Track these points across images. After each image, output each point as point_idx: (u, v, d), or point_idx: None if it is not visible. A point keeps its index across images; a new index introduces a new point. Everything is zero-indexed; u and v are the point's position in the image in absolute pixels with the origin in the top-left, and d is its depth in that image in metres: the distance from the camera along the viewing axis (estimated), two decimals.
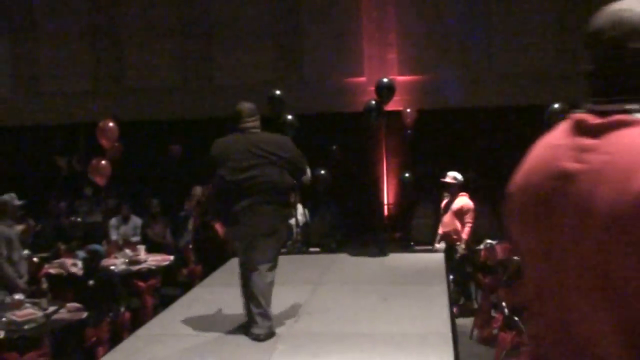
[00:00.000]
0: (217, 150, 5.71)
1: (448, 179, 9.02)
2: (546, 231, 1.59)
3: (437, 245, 8.98)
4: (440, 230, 9.07)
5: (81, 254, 7.75)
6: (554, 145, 1.69)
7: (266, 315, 5.18)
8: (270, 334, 5.11)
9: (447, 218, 8.91)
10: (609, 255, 1.43)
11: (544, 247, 1.59)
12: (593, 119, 1.61)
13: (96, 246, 8.06)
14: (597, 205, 1.47)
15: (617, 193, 1.44)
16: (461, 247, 8.55)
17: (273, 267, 5.45)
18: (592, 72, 1.71)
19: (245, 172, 5.41)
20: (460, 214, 8.80)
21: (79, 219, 12.33)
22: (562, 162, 1.61)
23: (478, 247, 10.51)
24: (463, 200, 8.93)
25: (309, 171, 6.01)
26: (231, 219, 5.40)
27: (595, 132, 1.58)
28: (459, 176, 9.03)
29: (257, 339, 5.06)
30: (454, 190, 9.00)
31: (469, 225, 8.74)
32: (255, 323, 5.15)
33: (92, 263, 7.58)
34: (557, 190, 1.58)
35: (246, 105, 5.87)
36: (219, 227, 8.63)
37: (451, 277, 8.00)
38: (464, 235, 8.64)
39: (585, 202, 1.49)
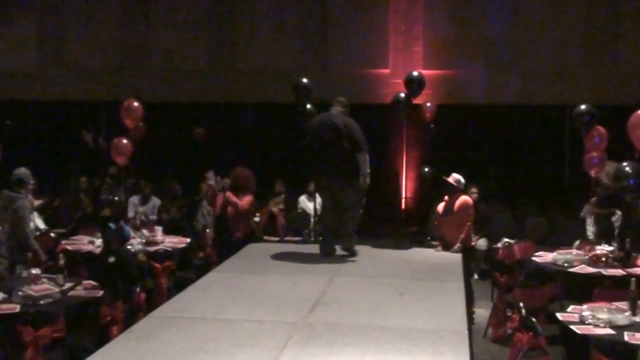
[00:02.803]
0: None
1: (451, 180, 8.85)
2: None
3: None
4: (442, 233, 8.81)
5: (111, 225, 7.74)
6: None
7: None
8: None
9: (450, 219, 8.69)
10: None
11: None
12: None
13: (126, 226, 8.08)
14: None
15: None
16: (457, 245, 8.40)
17: None
18: None
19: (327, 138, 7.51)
20: (460, 213, 8.62)
21: (103, 197, 12.34)
22: None
23: (496, 246, 10.45)
24: (462, 199, 8.76)
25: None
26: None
27: None
28: (462, 179, 8.87)
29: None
30: (454, 192, 8.81)
31: (468, 223, 8.60)
32: None
33: (118, 239, 7.57)
34: None
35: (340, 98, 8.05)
36: (237, 200, 8.65)
37: None
38: (462, 234, 8.50)
39: None
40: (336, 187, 7.63)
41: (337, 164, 7.45)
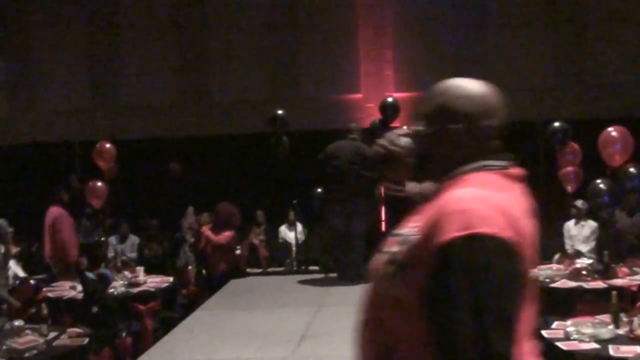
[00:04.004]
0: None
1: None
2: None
3: None
4: None
5: (90, 275, 7.70)
6: (513, 193, 1.96)
7: None
8: None
9: None
10: None
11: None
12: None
13: (106, 271, 8.02)
14: None
15: None
16: None
17: None
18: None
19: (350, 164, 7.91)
20: None
21: (80, 241, 12.26)
22: (527, 204, 1.98)
23: None
24: None
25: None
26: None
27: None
28: None
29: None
30: None
31: None
32: None
33: (100, 287, 7.54)
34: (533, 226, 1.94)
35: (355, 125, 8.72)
36: (217, 237, 8.67)
37: None
38: None
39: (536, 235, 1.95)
40: (352, 213, 7.94)
41: (357, 190, 7.80)
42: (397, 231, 1.97)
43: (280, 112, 10.47)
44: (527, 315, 1.82)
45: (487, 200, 1.80)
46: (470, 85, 2.08)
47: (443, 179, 1.96)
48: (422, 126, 2.05)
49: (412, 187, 2.24)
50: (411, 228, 1.90)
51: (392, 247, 1.94)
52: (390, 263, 1.89)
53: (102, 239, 11.52)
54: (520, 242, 1.77)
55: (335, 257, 8.42)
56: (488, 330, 1.65)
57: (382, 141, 2.24)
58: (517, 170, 2.03)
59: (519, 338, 1.75)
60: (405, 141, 2.16)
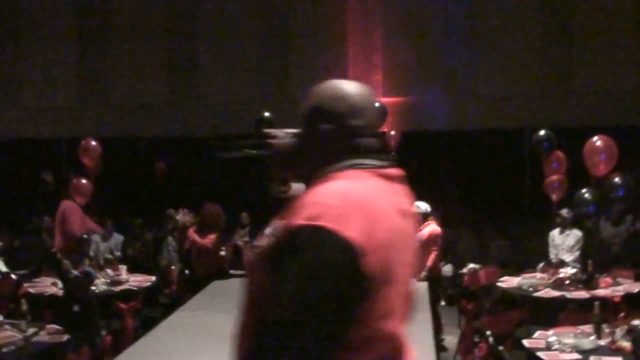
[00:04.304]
0: None
1: (414, 209, 8.93)
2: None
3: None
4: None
5: (74, 272, 7.65)
6: (384, 192, 2.00)
7: None
8: None
9: (418, 248, 8.78)
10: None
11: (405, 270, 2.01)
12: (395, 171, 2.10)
13: (90, 269, 7.95)
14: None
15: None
16: (423, 273, 8.46)
17: None
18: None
19: None
20: (429, 242, 8.71)
21: None
22: (401, 205, 2.05)
23: (461, 272, 10.52)
24: (432, 227, 8.85)
25: None
26: None
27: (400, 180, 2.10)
28: (422, 206, 8.96)
29: None
30: (421, 220, 8.91)
31: (435, 251, 8.68)
32: None
33: (84, 285, 7.50)
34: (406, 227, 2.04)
35: None
36: (202, 240, 8.60)
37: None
38: (429, 262, 8.57)
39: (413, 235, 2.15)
40: None
41: None
42: (269, 227, 2.02)
43: (267, 114, 10.43)
44: (386, 312, 1.91)
45: (345, 196, 1.87)
46: (341, 86, 2.13)
47: (315, 178, 2.01)
48: (298, 126, 2.15)
49: (297, 188, 2.27)
50: (280, 223, 1.95)
51: (262, 242, 2.01)
52: (260, 256, 1.98)
53: (85, 236, 11.44)
54: (369, 243, 1.81)
55: None
56: (301, 317, 1.75)
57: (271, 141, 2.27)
58: (393, 171, 2.09)
59: (357, 340, 1.86)
60: (288, 140, 2.20)
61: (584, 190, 8.48)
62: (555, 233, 10.40)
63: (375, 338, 1.90)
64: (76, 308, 7.00)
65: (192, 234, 8.58)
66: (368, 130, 2.08)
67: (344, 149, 2.04)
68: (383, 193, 1.98)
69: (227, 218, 9.66)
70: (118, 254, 11.28)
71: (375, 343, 1.91)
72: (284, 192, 2.33)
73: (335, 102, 2.09)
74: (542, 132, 10.20)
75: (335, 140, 2.05)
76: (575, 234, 10.25)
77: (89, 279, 7.66)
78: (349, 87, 2.14)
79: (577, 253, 10.13)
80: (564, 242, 10.29)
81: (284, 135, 2.22)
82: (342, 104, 2.08)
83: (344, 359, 1.85)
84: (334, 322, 1.79)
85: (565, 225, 10.19)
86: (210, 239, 8.71)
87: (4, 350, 5.78)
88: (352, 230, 1.79)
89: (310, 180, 2.03)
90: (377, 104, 2.07)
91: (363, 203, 1.87)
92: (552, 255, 10.16)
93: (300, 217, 1.83)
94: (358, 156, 2.03)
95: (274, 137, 2.24)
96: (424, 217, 8.95)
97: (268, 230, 2.00)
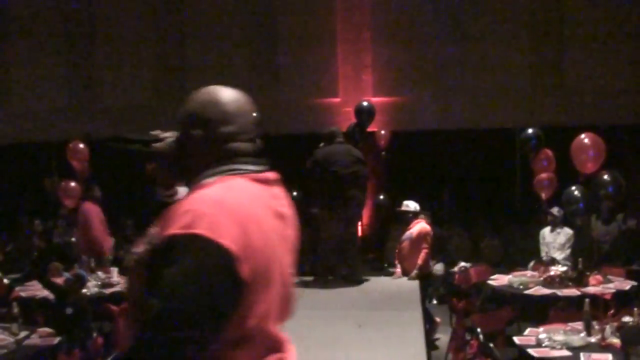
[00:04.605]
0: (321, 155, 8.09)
1: (403, 208, 9.00)
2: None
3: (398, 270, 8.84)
4: (400, 260, 8.93)
5: (66, 274, 7.65)
6: (260, 196, 2.07)
7: None
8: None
9: (407, 247, 8.81)
10: None
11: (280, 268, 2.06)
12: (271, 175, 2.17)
13: (81, 271, 7.94)
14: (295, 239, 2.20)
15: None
16: (414, 272, 8.49)
17: None
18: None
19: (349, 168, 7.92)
20: (419, 240, 8.74)
21: (54, 240, 12.22)
22: (278, 207, 2.12)
23: (452, 270, 10.55)
24: (421, 226, 8.89)
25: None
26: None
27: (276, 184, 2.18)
28: (411, 205, 9.00)
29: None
30: (410, 218, 8.97)
31: (425, 250, 8.72)
32: None
33: (76, 287, 7.49)
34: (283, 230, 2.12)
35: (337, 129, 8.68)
36: None
37: None
38: (419, 261, 8.60)
39: (292, 237, 2.17)
40: (351, 216, 8.10)
41: (355, 193, 7.94)
42: (147, 233, 2.07)
43: (253, 114, 10.43)
44: (264, 313, 1.97)
45: (218, 203, 1.92)
46: (215, 93, 2.20)
47: (192, 183, 2.08)
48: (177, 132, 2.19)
49: (183, 192, 2.31)
50: (156, 231, 2.00)
51: (140, 247, 2.06)
52: (137, 262, 2.03)
53: (74, 239, 11.45)
54: (244, 248, 1.87)
55: (327, 264, 8.24)
56: (179, 328, 1.78)
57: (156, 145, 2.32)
58: (269, 174, 2.16)
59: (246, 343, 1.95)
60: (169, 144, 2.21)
61: (573, 188, 8.52)
62: (546, 231, 10.44)
63: (253, 337, 1.96)
64: (69, 311, 7.00)
65: None
66: (241, 136, 2.14)
67: (218, 155, 2.09)
68: (258, 197, 2.04)
69: None
70: (109, 257, 11.24)
71: (252, 342, 1.96)
72: (169, 196, 2.35)
73: (207, 108, 2.15)
74: (529, 131, 10.25)
75: (208, 146, 2.11)
76: (566, 232, 10.29)
77: (80, 281, 7.65)
78: (223, 93, 2.20)
79: (568, 251, 10.17)
80: (555, 240, 10.33)
81: (169, 137, 2.25)
82: (214, 110, 2.14)
83: (222, 357, 1.91)
84: (210, 326, 1.83)
85: (556, 224, 10.23)
86: None
87: None
88: (226, 237, 1.84)
89: (189, 185, 2.10)
90: (252, 111, 2.12)
91: (237, 209, 1.92)
92: (543, 254, 10.21)
93: (175, 226, 1.86)
94: (232, 161, 2.09)
95: (158, 139, 2.27)
96: (414, 215, 8.98)
97: (146, 236, 2.05)
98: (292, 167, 11.96)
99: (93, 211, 9.54)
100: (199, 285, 1.81)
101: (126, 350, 1.92)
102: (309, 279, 8.30)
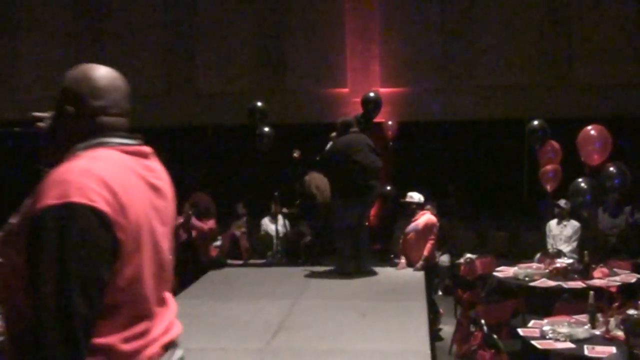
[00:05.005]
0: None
1: (408, 199, 8.98)
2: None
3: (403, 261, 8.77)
4: (406, 251, 8.87)
5: None
6: (131, 166, 2.13)
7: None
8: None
9: (413, 238, 8.76)
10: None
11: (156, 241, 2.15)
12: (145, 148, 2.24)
13: None
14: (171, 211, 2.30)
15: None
16: (420, 263, 8.46)
17: None
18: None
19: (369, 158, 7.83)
20: (425, 231, 8.71)
21: None
22: (151, 179, 2.19)
23: (458, 262, 10.54)
24: (427, 217, 8.86)
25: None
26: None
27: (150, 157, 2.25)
28: (416, 196, 8.98)
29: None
30: (415, 210, 8.94)
31: (432, 241, 8.69)
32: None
33: None
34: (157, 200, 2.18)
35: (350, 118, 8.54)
36: (202, 225, 8.54)
37: None
38: (425, 252, 8.57)
39: (167, 209, 2.25)
40: (367, 206, 8.21)
41: (374, 184, 7.94)
42: (23, 204, 2.10)
43: (259, 103, 10.42)
44: (136, 276, 2.04)
45: (89, 172, 1.97)
46: (86, 70, 2.28)
47: (65, 157, 2.11)
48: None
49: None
50: (28, 202, 2.04)
51: (13, 219, 2.09)
52: (8, 233, 2.07)
53: None
54: (115, 213, 1.95)
55: (343, 254, 8.07)
56: (68, 293, 1.84)
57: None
58: (142, 148, 2.23)
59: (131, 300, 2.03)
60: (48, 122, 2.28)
61: (580, 180, 8.48)
62: (552, 224, 10.42)
63: (118, 306, 2.01)
64: None
65: (195, 221, 8.51)
66: (111, 110, 2.21)
67: (89, 129, 2.16)
68: (128, 167, 2.11)
69: (223, 208, 9.65)
70: None
71: (117, 312, 2.01)
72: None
73: (78, 84, 2.22)
74: (535, 122, 10.20)
75: (80, 121, 2.18)
76: (572, 225, 10.27)
77: None
78: (94, 70, 2.28)
79: (575, 244, 10.15)
80: (561, 233, 10.31)
81: (49, 117, 2.32)
82: (85, 85, 2.22)
83: (98, 324, 1.95)
84: (94, 290, 1.90)
85: (563, 216, 10.21)
86: (211, 224, 8.68)
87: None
88: (99, 201, 1.92)
89: (62, 159, 2.11)
90: (124, 87, 2.16)
91: (104, 175, 1.98)
92: (550, 246, 10.19)
93: (48, 197, 1.91)
94: (103, 135, 2.16)
95: (40, 119, 2.33)
96: (419, 207, 8.97)
97: (20, 207, 2.08)
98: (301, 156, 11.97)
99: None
100: (83, 252, 1.87)
101: (16, 333, 1.99)
102: (316, 268, 8.29)
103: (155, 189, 2.19)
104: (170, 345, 2.25)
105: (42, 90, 14.52)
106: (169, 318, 2.27)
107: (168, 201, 2.28)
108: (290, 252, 11.45)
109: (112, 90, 2.26)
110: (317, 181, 10.20)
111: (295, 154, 10.70)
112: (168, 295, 2.29)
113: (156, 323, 2.16)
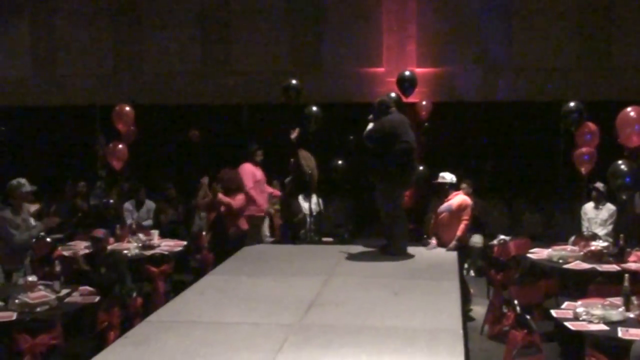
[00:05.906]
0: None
1: (440, 180, 8.91)
2: None
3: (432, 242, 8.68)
4: (439, 231, 8.81)
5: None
6: None
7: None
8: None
9: (446, 218, 8.71)
10: None
11: None
12: None
13: (99, 233, 7.94)
14: None
15: None
16: (453, 242, 8.41)
17: None
18: None
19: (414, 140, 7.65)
20: (459, 211, 8.66)
21: (92, 202, 12.41)
22: None
23: (491, 243, 10.49)
24: (461, 198, 8.81)
25: None
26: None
27: None
28: (448, 176, 8.90)
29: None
30: (448, 190, 8.88)
31: (465, 221, 8.63)
32: None
33: (95, 250, 7.66)
34: None
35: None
36: (230, 200, 8.57)
37: None
38: (459, 232, 8.52)
39: None
40: (412, 184, 8.31)
41: (418, 165, 8.07)
42: None
43: (294, 81, 10.42)
44: None
45: None
46: None
47: None
48: None
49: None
50: None
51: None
52: None
53: (111, 201, 11.59)
54: None
55: (401, 236, 7.85)
56: None
57: None
58: None
59: None
60: None
61: (619, 162, 8.37)
62: (588, 206, 10.33)
63: None
64: (102, 270, 7.15)
65: (222, 197, 8.55)
66: None
67: None
68: None
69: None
70: (149, 222, 11.39)
71: None
72: None
73: None
74: (571, 104, 10.08)
75: None
76: (608, 208, 10.17)
77: (97, 244, 7.77)
78: None
79: (610, 227, 10.06)
80: (597, 216, 10.22)
81: None
82: None
83: None
84: None
85: (599, 199, 10.11)
86: (240, 199, 8.72)
87: (38, 309, 5.91)
88: None
89: None
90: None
91: None
92: (585, 229, 10.11)
93: None
94: None
95: None
96: (453, 187, 8.92)
97: None
98: (333, 136, 12.01)
99: (250, 172, 9.55)
100: None
101: None
102: (348, 247, 8.29)
103: None
104: None
105: (80, 66, 14.70)
106: None
107: None
108: (323, 230, 11.47)
109: None
110: (307, 160, 10.14)
111: (294, 135, 10.42)
112: None
113: None
